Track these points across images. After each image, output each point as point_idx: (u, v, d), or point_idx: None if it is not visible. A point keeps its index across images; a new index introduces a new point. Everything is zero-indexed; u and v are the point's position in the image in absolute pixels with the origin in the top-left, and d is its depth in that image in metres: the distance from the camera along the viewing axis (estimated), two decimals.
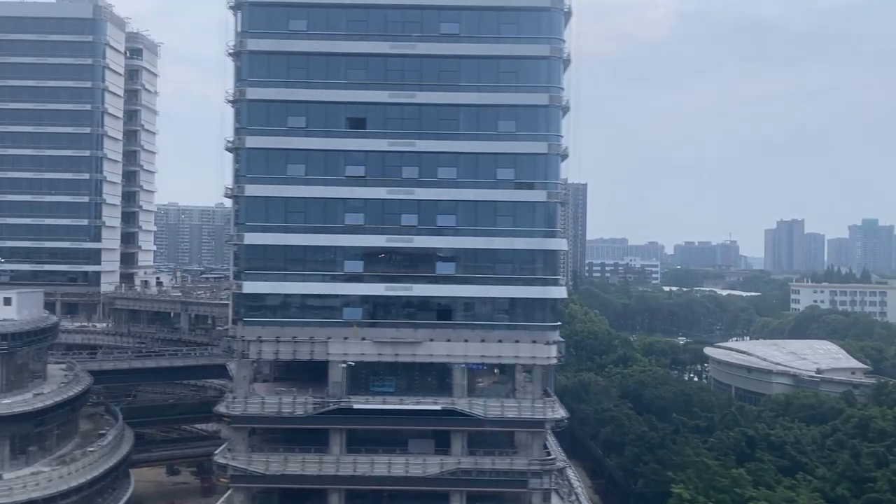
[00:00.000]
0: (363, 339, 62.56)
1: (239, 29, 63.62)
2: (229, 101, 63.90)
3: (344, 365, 62.63)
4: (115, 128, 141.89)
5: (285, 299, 63.54)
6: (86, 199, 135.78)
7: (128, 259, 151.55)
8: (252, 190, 62.77)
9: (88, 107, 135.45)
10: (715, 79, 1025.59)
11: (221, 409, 62.66)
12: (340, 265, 63.23)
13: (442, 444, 63.54)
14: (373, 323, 63.05)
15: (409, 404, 62.21)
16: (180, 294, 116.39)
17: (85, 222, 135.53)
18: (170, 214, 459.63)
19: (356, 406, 61.75)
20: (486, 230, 62.90)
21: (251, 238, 62.87)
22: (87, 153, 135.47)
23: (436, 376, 64.94)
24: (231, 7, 64.18)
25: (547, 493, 62.42)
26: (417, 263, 63.36)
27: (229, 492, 64.72)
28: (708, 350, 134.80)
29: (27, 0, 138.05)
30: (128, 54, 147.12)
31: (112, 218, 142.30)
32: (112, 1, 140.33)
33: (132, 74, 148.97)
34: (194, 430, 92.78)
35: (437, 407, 61.89)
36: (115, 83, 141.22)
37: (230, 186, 64.41)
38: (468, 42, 62.98)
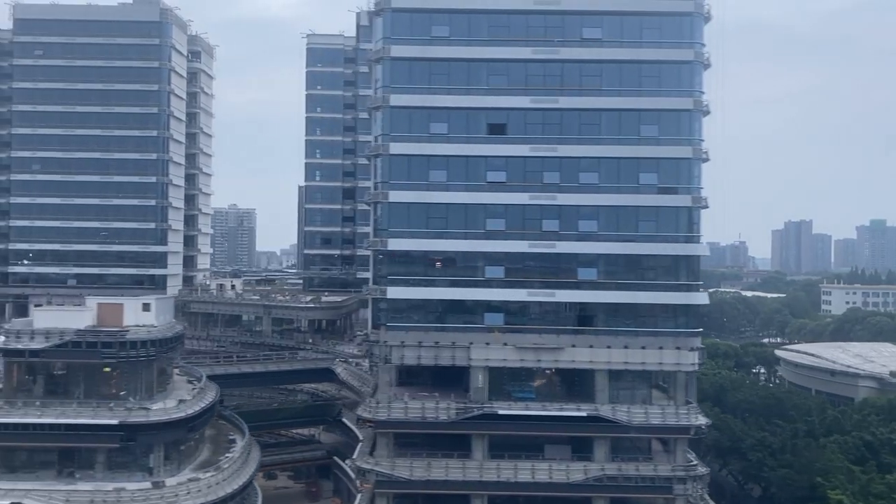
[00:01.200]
0: (505, 344, 62.54)
1: (381, 35, 63.60)
2: (372, 108, 63.97)
3: (485, 370, 62.61)
4: (179, 131, 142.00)
5: (427, 304, 63.51)
6: (153, 202, 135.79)
7: (187, 262, 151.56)
8: (396, 196, 62.75)
9: (155, 110, 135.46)
10: (717, 77, 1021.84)
11: (365, 413, 62.66)
12: (482, 271, 63.21)
13: (578, 450, 63.54)
14: (514, 328, 62.99)
15: (553, 410, 62.19)
16: (258, 297, 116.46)
17: (152, 226, 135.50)
18: None
19: (501, 412, 61.69)
20: (628, 235, 62.87)
21: (394, 244, 62.88)
22: (154, 156, 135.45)
23: (573, 382, 64.89)
24: (373, 12, 64.25)
25: (689, 500, 62.29)
26: (559, 269, 63.30)
27: (360, 496, 64.66)
28: (780, 352, 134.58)
29: (94, 4, 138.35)
30: (189, 57, 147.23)
31: (176, 221, 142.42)
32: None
33: (192, 77, 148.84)
34: (292, 434, 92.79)
35: (582, 413, 61.89)
36: (179, 86, 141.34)
37: (372, 192, 64.42)
38: (610, 47, 62.93)
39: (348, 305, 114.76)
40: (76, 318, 61.04)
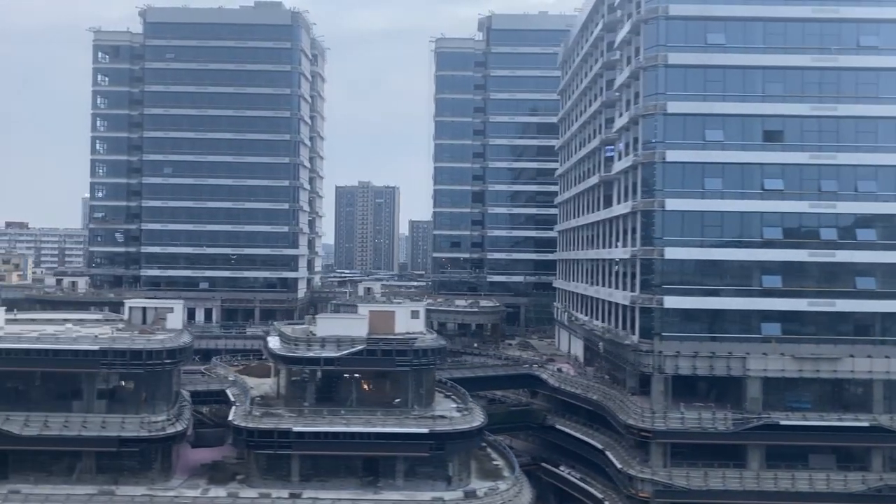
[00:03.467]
0: (782, 354, 62.05)
1: (654, 42, 63.24)
2: (644, 116, 63.59)
3: (760, 381, 62.22)
4: (306, 134, 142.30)
5: (702, 314, 63.12)
6: (285, 205, 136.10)
7: (308, 264, 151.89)
8: (672, 204, 62.34)
9: (287, 114, 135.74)
10: None
11: (639, 423, 62.26)
12: (758, 280, 62.74)
13: (843, 460, 63.00)
14: (791, 338, 62.48)
15: (831, 420, 61.68)
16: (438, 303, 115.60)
17: (285, 229, 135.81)
18: None
19: (782, 422, 61.25)
20: None
21: (671, 253, 62.46)
22: (287, 160, 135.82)
23: (843, 391, 64.37)
24: (640, 20, 63.97)
25: None
26: (837, 278, 62.77)
27: None
28: None
29: (225, 7, 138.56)
30: (312, 60, 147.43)
31: (304, 225, 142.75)
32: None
33: (313, 80, 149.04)
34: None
35: (863, 423, 61.34)
36: (306, 90, 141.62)
37: (640, 200, 64.05)
38: (888, 54, 62.41)
39: (500, 311, 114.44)
40: (354, 325, 60.79)
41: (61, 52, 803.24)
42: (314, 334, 62.05)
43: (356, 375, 60.94)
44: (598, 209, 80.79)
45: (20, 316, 75.50)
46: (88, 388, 57.85)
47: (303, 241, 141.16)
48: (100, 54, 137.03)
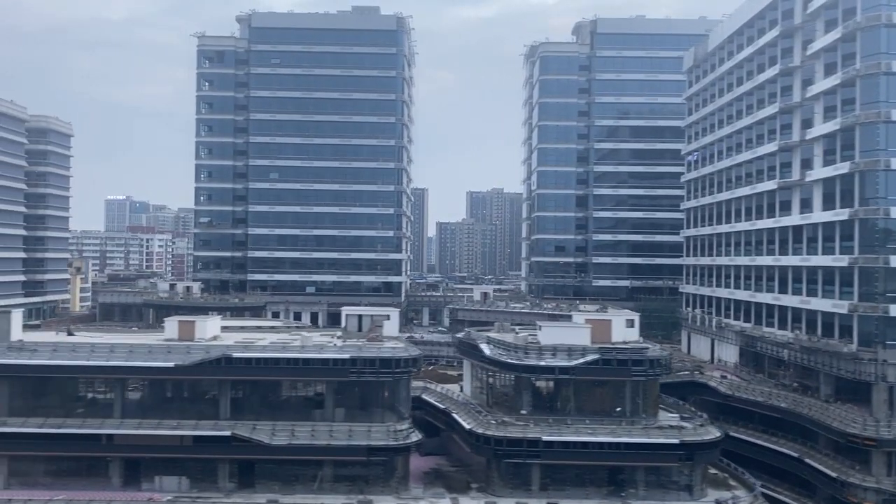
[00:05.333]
0: None
1: (874, 50, 62.89)
2: (862, 124, 63.27)
3: None
4: (408, 138, 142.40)
5: None
6: (390, 210, 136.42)
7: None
8: None
9: (392, 119, 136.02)
10: None
11: (862, 432, 61.94)
12: None
13: None
14: None
15: None
16: (522, 305, 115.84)
17: (391, 234, 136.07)
18: None
19: None
20: None
21: None
22: (392, 165, 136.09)
23: None
24: (859, 29, 63.69)
25: None
26: None
27: None
28: None
29: (330, 13, 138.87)
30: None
31: (406, 229, 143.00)
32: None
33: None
34: None
35: None
36: (408, 95, 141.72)
37: (856, 207, 63.71)
38: None
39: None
40: (579, 334, 60.75)
41: (61, 52, 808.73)
42: (536, 342, 62.07)
43: (581, 384, 60.78)
44: (772, 215, 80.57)
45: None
46: (330, 397, 58.00)
47: (405, 245, 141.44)
48: (203, 60, 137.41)
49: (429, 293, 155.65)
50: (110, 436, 55.63)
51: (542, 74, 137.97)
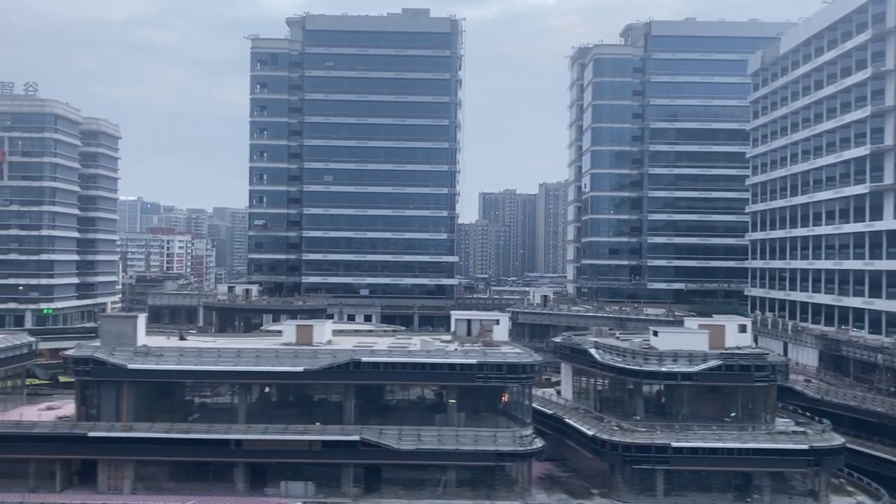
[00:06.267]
0: None
1: None
2: None
3: None
4: (460, 142, 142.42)
5: None
6: (444, 213, 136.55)
7: None
8: None
9: (446, 122, 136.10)
10: None
11: None
12: None
13: None
14: None
15: None
16: (590, 308, 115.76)
17: (444, 236, 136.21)
18: (247, 218, 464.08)
19: None
20: None
21: None
22: (445, 168, 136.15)
23: None
24: None
25: None
26: None
27: None
28: None
29: (385, 15, 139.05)
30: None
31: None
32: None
33: None
34: None
35: None
36: (460, 97, 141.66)
37: None
38: None
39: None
40: (697, 340, 60.70)
41: (62, 52, 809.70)
42: (650, 348, 62.04)
43: (696, 390, 60.68)
44: (860, 218, 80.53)
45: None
46: (452, 402, 57.99)
47: (456, 248, 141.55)
48: (256, 63, 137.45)
49: (474, 296, 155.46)
50: (238, 441, 55.60)
51: (596, 77, 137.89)
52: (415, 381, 57.81)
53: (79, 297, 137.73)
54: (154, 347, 58.01)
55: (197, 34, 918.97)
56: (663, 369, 59.19)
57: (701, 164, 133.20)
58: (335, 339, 64.69)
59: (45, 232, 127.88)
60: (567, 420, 62.56)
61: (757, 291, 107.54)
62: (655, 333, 62.99)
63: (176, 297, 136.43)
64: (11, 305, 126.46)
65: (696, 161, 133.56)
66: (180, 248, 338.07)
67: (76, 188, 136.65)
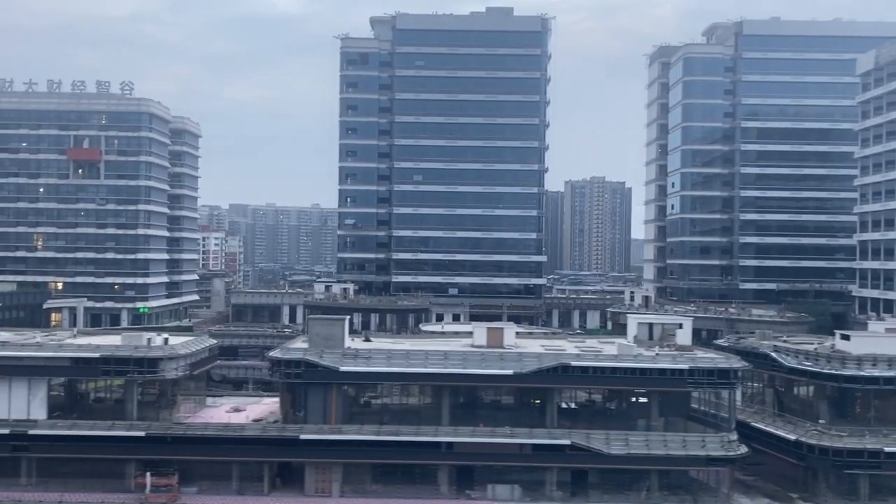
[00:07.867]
0: None
1: None
2: None
3: None
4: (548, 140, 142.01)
5: None
6: (533, 212, 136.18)
7: None
8: None
9: (536, 121, 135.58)
10: None
11: None
12: None
13: None
14: None
15: None
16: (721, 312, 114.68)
17: (533, 236, 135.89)
18: (268, 215, 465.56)
19: None
20: None
21: None
22: (535, 167, 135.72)
23: None
24: None
25: None
26: None
27: None
28: None
29: (476, 13, 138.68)
30: None
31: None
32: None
33: None
34: None
35: None
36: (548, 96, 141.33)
37: None
38: None
39: (808, 321, 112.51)
40: (891, 344, 60.61)
41: (67, 48, 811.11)
42: (839, 351, 61.85)
43: (883, 394, 60.44)
44: None
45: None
46: (654, 406, 57.93)
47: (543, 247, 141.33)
48: (345, 63, 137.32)
49: (557, 296, 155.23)
50: (450, 444, 55.61)
51: (686, 75, 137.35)
52: (622, 385, 57.63)
53: (168, 297, 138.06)
54: (361, 349, 58.03)
55: (200, 31, 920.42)
56: (863, 373, 58.96)
57: (792, 163, 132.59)
58: (518, 341, 64.59)
59: (140, 231, 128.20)
60: (755, 425, 62.37)
61: (868, 293, 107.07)
62: (846, 337, 62.74)
63: (259, 295, 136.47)
64: (108, 304, 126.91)
65: (787, 160, 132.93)
66: (216, 245, 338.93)
67: (166, 187, 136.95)
